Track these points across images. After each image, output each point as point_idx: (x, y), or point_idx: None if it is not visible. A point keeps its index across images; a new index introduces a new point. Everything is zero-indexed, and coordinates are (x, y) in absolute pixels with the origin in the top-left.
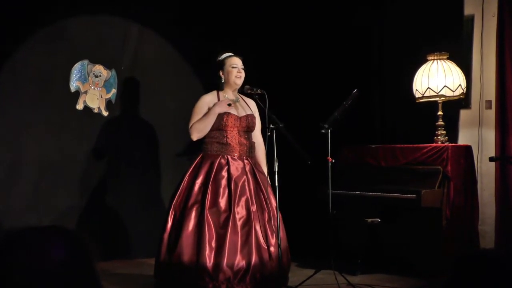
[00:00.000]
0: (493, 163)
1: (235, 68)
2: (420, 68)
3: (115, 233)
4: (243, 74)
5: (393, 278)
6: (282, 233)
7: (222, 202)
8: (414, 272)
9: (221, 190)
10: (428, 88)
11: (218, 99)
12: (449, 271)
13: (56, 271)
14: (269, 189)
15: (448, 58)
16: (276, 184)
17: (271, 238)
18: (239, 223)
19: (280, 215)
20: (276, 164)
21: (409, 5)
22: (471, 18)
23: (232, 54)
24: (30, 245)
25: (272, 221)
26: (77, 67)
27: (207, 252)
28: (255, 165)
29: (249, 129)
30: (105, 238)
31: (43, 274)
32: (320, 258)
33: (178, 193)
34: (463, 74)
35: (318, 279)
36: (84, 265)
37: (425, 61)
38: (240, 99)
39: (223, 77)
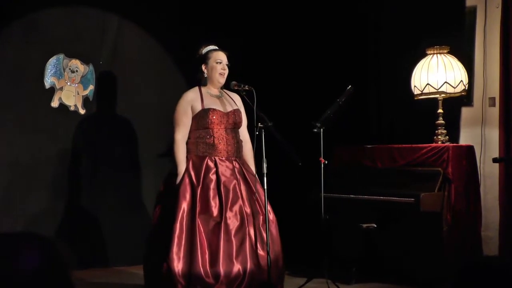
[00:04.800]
0: (496, 165)
1: (219, 64)
2: (419, 63)
3: (92, 240)
4: (227, 71)
5: None
6: (276, 236)
7: (213, 207)
8: (412, 281)
9: (211, 194)
10: (428, 84)
11: (201, 95)
12: (450, 281)
13: (29, 280)
14: (260, 190)
15: (448, 52)
16: (265, 187)
17: (266, 243)
18: (232, 230)
19: (274, 217)
20: (264, 165)
21: None
22: (474, 10)
23: (217, 48)
24: (1, 252)
25: (267, 224)
26: (52, 62)
27: (200, 260)
28: (243, 165)
29: (236, 126)
30: (81, 245)
31: (15, 283)
32: (312, 266)
33: (164, 197)
34: (464, 69)
35: None
36: (58, 274)
37: (424, 55)
38: (224, 94)
39: (205, 71)
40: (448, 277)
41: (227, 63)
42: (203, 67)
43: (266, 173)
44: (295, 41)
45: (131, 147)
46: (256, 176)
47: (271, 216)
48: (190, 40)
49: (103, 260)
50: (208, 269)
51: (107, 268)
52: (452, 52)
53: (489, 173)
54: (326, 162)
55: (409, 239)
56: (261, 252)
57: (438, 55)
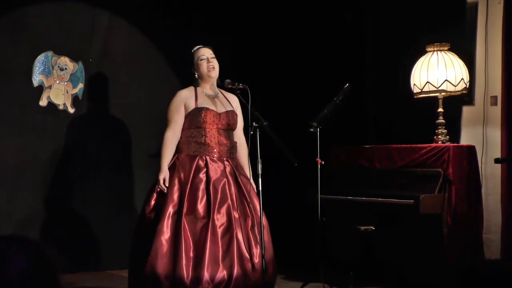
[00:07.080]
0: (499, 165)
1: (203, 60)
2: (419, 61)
3: (83, 242)
4: (215, 64)
5: None
6: (267, 241)
7: (200, 208)
8: (412, 285)
9: (199, 194)
10: (427, 82)
11: (196, 95)
12: (452, 285)
13: (17, 285)
14: (253, 193)
15: (449, 49)
16: (260, 188)
17: (254, 247)
18: (219, 231)
19: (266, 222)
20: (259, 166)
21: None
22: (475, 5)
23: (200, 46)
24: None
25: (256, 228)
26: (40, 59)
27: (184, 263)
28: (236, 167)
29: (230, 127)
30: (71, 248)
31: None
32: (309, 270)
33: (152, 197)
34: (465, 67)
35: None
36: (47, 278)
37: (424, 52)
38: (220, 94)
39: (195, 73)
40: (448, 281)
41: (212, 56)
42: (192, 68)
43: (260, 174)
44: (290, 38)
45: (122, 147)
46: (252, 179)
47: (263, 220)
48: (182, 38)
49: (94, 263)
50: (193, 271)
51: (98, 272)
52: (452, 49)
53: (491, 174)
54: (323, 162)
55: (408, 242)
56: (248, 256)
57: (438, 52)
